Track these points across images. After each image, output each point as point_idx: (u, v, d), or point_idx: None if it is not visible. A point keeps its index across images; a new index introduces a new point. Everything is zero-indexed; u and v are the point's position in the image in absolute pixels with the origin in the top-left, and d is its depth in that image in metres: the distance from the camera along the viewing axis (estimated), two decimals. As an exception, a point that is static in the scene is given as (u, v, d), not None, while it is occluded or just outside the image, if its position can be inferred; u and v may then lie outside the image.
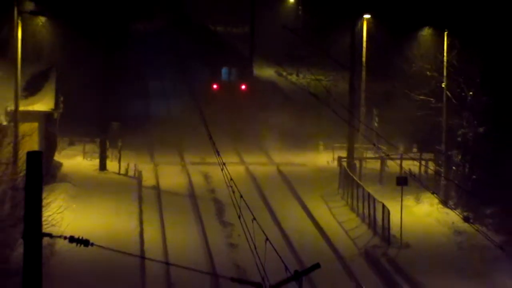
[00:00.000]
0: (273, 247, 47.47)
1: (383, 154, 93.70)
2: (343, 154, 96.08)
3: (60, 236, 23.16)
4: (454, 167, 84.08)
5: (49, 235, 22.84)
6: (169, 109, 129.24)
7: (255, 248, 44.60)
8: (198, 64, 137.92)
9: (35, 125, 76.58)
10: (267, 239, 46.16)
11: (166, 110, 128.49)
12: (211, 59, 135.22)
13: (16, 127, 69.11)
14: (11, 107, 71.59)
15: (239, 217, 59.85)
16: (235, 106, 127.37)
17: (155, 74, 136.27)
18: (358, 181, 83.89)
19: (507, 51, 59.80)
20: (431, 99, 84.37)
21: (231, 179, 62.29)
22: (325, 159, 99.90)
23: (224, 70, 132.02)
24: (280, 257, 50.89)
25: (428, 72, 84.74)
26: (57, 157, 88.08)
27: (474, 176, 79.85)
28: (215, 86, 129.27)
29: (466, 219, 75.64)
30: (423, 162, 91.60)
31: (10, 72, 71.90)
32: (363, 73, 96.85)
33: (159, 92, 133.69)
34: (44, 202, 20.83)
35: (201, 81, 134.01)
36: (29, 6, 76.19)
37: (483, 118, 76.90)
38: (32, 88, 77.06)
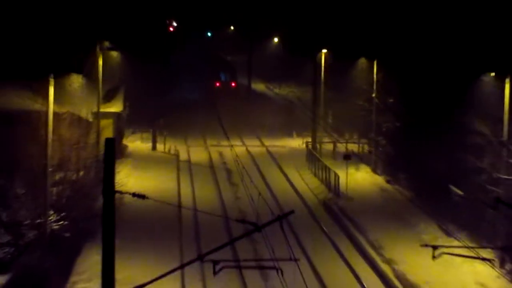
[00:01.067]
0: (264, 199, 52.22)
1: (335, 140, 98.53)
2: (309, 139, 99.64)
3: (126, 193, 28.16)
4: (380, 148, 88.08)
5: (119, 192, 27.94)
6: (194, 98, 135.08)
7: (252, 199, 49.53)
8: (209, 74, 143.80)
9: (110, 121, 79.63)
10: (259, 194, 51.01)
11: (192, 99, 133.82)
12: (215, 70, 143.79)
13: (98, 122, 72.53)
14: (94, 109, 73.15)
15: (241, 180, 65.59)
16: (230, 99, 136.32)
17: (186, 80, 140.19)
18: (319, 157, 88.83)
19: (415, 73, 62.07)
20: (366, 104, 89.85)
21: (237, 155, 68.15)
22: (297, 143, 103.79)
23: (221, 74, 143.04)
24: (268, 206, 55.19)
25: (364, 86, 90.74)
26: (124, 142, 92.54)
27: (393, 153, 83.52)
28: (217, 84, 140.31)
29: (388, 182, 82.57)
30: (361, 145, 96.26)
31: (94, 88, 74.91)
32: (322, 86, 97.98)
33: (189, 89, 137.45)
34: (116, 170, 22.95)
35: (209, 82, 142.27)
36: (106, 44, 79.50)
37: (399, 116, 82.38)
38: (108, 97, 79.40)
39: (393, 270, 52.80)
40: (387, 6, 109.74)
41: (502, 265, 50.99)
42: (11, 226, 50.31)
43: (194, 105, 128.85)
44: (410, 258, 54.52)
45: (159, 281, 32.08)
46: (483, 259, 50.29)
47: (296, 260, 48.55)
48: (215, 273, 33.51)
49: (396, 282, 50.57)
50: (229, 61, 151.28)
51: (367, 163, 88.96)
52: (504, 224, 51.21)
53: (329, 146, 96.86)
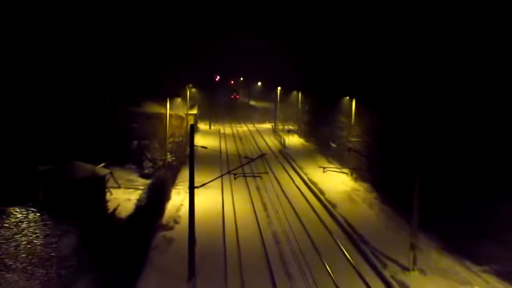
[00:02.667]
0: (258, 147, 50.94)
1: (283, 124, 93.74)
2: (273, 124, 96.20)
3: (198, 146, 28.52)
4: (303, 126, 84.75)
5: (195, 146, 28.64)
6: (225, 103, 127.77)
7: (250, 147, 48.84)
8: (229, 93, 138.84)
9: (192, 117, 75.81)
10: (256, 144, 50.38)
11: (223, 104, 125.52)
12: (231, 92, 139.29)
13: (187, 117, 72.18)
14: (185, 112, 72.57)
15: (240, 139, 63.97)
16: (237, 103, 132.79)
17: (221, 97, 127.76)
18: (277, 131, 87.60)
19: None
20: (297, 108, 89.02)
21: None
22: (268, 126, 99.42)
23: (234, 93, 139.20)
24: (257, 150, 54.04)
25: (294, 102, 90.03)
26: (198, 126, 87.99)
27: (307, 129, 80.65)
28: (232, 96, 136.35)
29: (306, 141, 78.25)
30: (294, 127, 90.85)
31: (185, 103, 74.57)
32: (278, 102, 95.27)
33: (221, 99, 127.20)
34: (194, 137, 22.59)
35: (229, 96, 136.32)
36: (190, 85, 79.42)
37: (309, 114, 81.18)
38: (191, 107, 79.07)
39: (306, 176, 52.36)
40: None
41: (352, 174, 51.17)
42: (151, 159, 50.76)
43: (224, 107, 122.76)
44: (313, 172, 53.69)
45: (212, 182, 33.10)
46: (344, 172, 51.35)
47: (266, 173, 49.60)
48: (235, 178, 34.72)
49: (308, 181, 49.95)
50: (237, 89, 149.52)
51: (297, 134, 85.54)
52: (352, 158, 50.57)
53: (281, 127, 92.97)
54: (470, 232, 28.57)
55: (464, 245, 29.12)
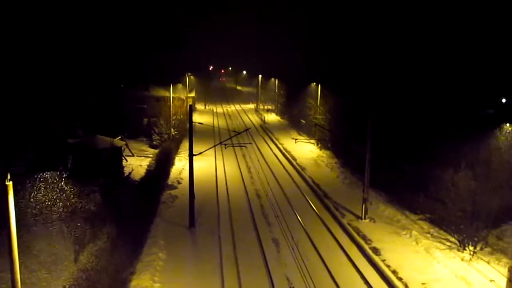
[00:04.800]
0: (243, 123, 50.96)
1: (263, 104, 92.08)
2: (255, 104, 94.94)
3: (196, 122, 28.47)
4: (279, 106, 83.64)
5: (193, 122, 28.63)
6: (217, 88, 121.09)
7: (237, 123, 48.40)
8: (218, 77, 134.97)
9: (191, 99, 74.94)
10: (242, 120, 50.17)
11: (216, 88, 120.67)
12: (220, 76, 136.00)
13: (187, 99, 70.93)
14: (185, 95, 71.65)
15: (229, 117, 63.42)
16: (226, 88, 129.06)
17: (213, 82, 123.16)
18: (259, 111, 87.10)
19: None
20: (274, 93, 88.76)
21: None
22: (252, 106, 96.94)
23: (221, 77, 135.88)
24: (242, 125, 53.95)
25: (273, 87, 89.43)
26: (196, 106, 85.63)
27: (283, 109, 79.57)
28: (220, 79, 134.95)
29: (281, 118, 77.44)
30: (273, 107, 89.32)
31: (185, 88, 73.63)
32: (259, 87, 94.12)
33: (214, 85, 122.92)
34: (193, 115, 22.27)
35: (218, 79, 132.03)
36: (189, 73, 78.28)
37: (284, 97, 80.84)
38: (190, 91, 77.81)
39: (282, 145, 52.07)
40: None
41: (317, 144, 51.24)
42: (159, 133, 50.28)
43: (217, 91, 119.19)
44: (287, 142, 53.44)
45: (207, 152, 32.95)
46: (311, 143, 51.52)
47: (250, 143, 49.27)
48: (225, 148, 34.57)
49: (283, 150, 49.80)
50: (224, 76, 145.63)
51: (275, 112, 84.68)
52: (318, 131, 50.50)
53: (262, 107, 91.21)
54: (410, 190, 28.95)
55: (405, 200, 29.57)
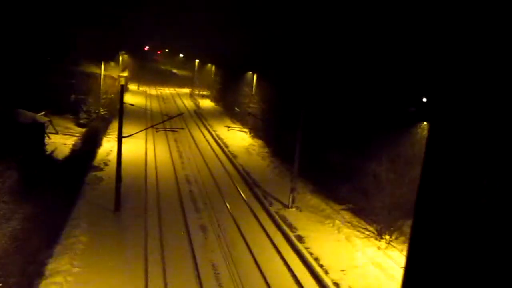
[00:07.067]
0: (177, 107, 49.73)
1: (199, 90, 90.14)
2: (191, 89, 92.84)
3: (127, 103, 28.01)
4: (214, 93, 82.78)
5: (124, 103, 27.94)
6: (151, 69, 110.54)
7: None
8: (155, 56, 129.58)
9: (123, 78, 71.55)
10: (176, 104, 48.94)
11: (151, 69, 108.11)
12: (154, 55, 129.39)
13: (119, 79, 68.31)
14: (118, 74, 69.01)
15: (163, 100, 61.96)
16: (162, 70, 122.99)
17: (147, 62, 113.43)
18: (194, 96, 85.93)
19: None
20: (211, 78, 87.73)
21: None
22: (187, 91, 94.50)
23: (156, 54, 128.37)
24: (176, 110, 52.57)
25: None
26: (128, 86, 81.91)
27: (217, 95, 78.99)
28: (154, 58, 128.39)
29: (215, 104, 76.94)
30: (208, 92, 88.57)
31: (118, 66, 71.12)
32: (196, 71, 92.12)
33: (149, 66, 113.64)
34: (124, 96, 21.46)
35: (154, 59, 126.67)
36: (123, 52, 75.37)
37: (220, 83, 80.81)
38: (123, 70, 74.19)
39: (214, 132, 51.74)
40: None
41: (250, 133, 51.61)
42: (87, 111, 48.28)
43: (151, 73, 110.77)
44: (220, 130, 53.27)
45: (138, 134, 32.00)
46: (244, 131, 51.88)
47: (183, 128, 48.44)
48: (156, 132, 33.63)
49: (215, 137, 49.61)
50: (157, 53, 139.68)
51: (209, 98, 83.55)
52: (251, 120, 50.82)
53: (197, 92, 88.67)
54: (336, 180, 29.97)
55: (331, 190, 30.60)
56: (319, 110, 36.70)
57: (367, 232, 25.18)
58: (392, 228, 23.54)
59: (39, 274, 17.35)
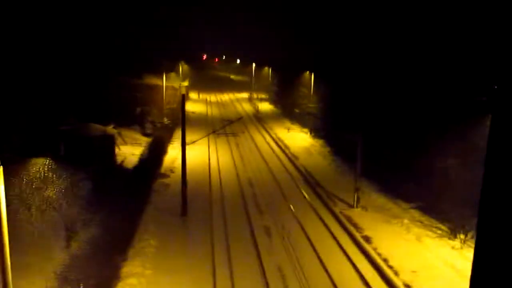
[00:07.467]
0: (236, 111, 50.51)
1: (257, 94, 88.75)
2: (249, 94, 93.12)
3: (188, 111, 28.48)
4: (273, 96, 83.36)
5: (186, 111, 28.77)
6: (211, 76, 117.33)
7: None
8: (213, 64, 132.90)
9: (184, 88, 75.50)
10: (235, 109, 49.88)
11: (210, 77, 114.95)
12: (214, 63, 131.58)
13: (180, 88, 71.00)
14: (179, 84, 71.04)
15: (223, 106, 63.18)
16: (220, 77, 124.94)
17: (206, 71, 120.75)
18: (252, 100, 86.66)
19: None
20: (269, 82, 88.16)
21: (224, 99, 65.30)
22: (246, 95, 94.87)
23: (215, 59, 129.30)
24: (237, 114, 53.30)
25: (266, 77, 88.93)
26: (189, 95, 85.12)
27: (276, 98, 79.49)
28: (214, 63, 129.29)
29: (274, 107, 76.69)
30: (267, 96, 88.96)
31: (179, 77, 73.26)
32: (253, 77, 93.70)
33: (208, 74, 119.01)
34: (186, 104, 21.88)
35: (213, 66, 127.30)
36: (182, 62, 77.69)
37: (277, 86, 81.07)
38: (184, 80, 77.54)
39: (276, 135, 51.77)
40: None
41: (310, 133, 51.26)
42: (152, 122, 50.25)
43: (210, 80, 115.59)
44: (281, 132, 53.34)
45: (201, 140, 32.82)
46: (303, 132, 51.54)
47: (243, 132, 49.10)
48: (218, 137, 34.24)
49: (276, 139, 49.58)
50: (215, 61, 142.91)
51: (268, 102, 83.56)
52: (310, 120, 50.60)
53: (255, 96, 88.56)
54: (402, 178, 28.92)
55: (397, 188, 29.50)
56: (382, 105, 35.68)
57: (439, 231, 23.86)
58: (466, 227, 22.24)
59: (115, 277, 18.27)
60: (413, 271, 19.88)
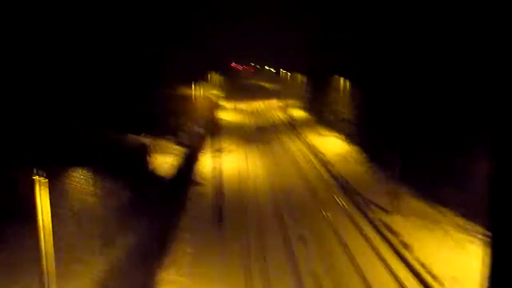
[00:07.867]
0: (270, 119, 49.94)
1: (288, 101, 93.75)
2: (281, 101, 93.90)
3: (221, 119, 28.33)
4: (307, 104, 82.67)
5: (219, 119, 28.76)
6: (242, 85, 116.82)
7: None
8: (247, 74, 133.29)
9: (216, 96, 76.85)
10: (269, 117, 49.29)
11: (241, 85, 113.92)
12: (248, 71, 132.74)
13: (211, 97, 71.71)
14: (209, 93, 71.60)
15: (256, 113, 62.83)
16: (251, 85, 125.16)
17: (238, 79, 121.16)
18: (285, 108, 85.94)
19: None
20: (301, 89, 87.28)
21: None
22: (279, 103, 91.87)
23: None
24: (272, 121, 53.03)
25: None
26: (220, 103, 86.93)
27: (309, 106, 78.75)
28: (252, 70, 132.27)
29: (308, 114, 75.00)
30: (300, 103, 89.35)
31: (210, 85, 74.06)
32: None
33: (239, 82, 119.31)
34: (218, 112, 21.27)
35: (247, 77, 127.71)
36: (213, 71, 78.54)
37: (310, 93, 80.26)
38: (215, 89, 78.42)
39: (310, 142, 51.20)
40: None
41: (346, 139, 50.41)
42: (184, 131, 50.59)
43: (242, 88, 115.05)
44: (314, 138, 52.80)
45: (235, 147, 32.74)
46: (338, 138, 50.76)
47: (278, 139, 48.49)
48: (252, 143, 33.84)
49: (308, 142, 49.74)
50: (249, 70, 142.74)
51: (303, 109, 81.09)
52: (345, 127, 50.08)
53: (289, 103, 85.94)
54: (442, 183, 27.86)
55: (437, 193, 28.58)
56: (420, 107, 34.72)
57: (485, 238, 22.95)
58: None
59: (151, 285, 18.51)
60: (455, 278, 19.04)
